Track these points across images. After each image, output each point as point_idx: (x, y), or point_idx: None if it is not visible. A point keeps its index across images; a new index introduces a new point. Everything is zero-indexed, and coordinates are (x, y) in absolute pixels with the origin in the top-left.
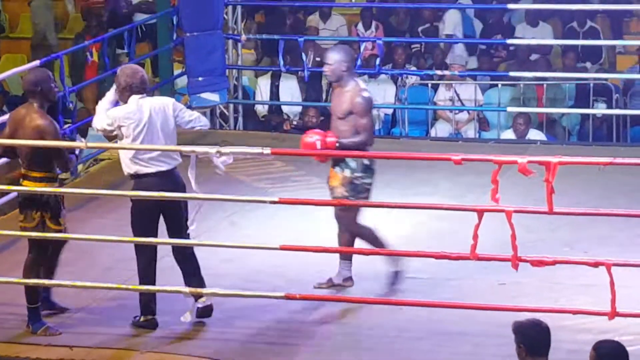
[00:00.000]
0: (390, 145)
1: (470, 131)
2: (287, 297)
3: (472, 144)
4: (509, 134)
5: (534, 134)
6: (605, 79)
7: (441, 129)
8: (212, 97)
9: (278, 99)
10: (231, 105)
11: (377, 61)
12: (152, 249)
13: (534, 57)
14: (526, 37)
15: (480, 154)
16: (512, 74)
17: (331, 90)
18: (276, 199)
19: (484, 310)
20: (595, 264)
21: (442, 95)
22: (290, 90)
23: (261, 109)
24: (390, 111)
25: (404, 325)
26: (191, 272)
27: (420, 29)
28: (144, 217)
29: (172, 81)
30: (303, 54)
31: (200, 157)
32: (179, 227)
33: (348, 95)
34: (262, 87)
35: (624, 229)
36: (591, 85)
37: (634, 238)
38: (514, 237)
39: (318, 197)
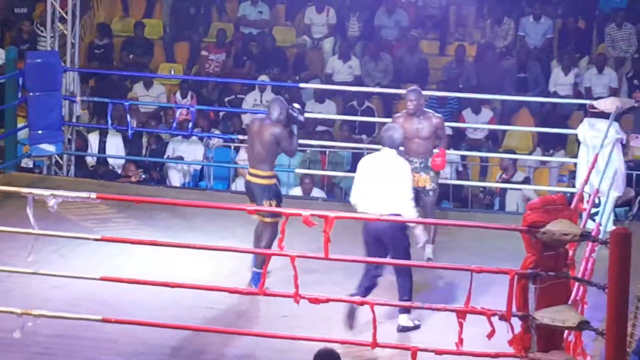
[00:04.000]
0: (197, 196)
1: None
2: (104, 320)
3: None
4: (297, 191)
5: (317, 192)
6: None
7: (240, 184)
8: (49, 147)
9: (104, 152)
10: (65, 156)
11: (190, 125)
12: None
13: (320, 128)
14: (314, 111)
15: (272, 207)
16: (300, 141)
17: (404, 119)
18: (99, 237)
19: (268, 338)
20: (362, 303)
21: (242, 155)
22: (115, 145)
23: (90, 160)
24: (199, 167)
25: (204, 348)
26: None
27: (226, 99)
28: None
29: (16, 133)
30: (128, 116)
31: (37, 198)
32: None
33: (427, 121)
34: (92, 142)
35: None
36: (365, 153)
37: (384, 282)
38: (296, 277)
39: (135, 237)
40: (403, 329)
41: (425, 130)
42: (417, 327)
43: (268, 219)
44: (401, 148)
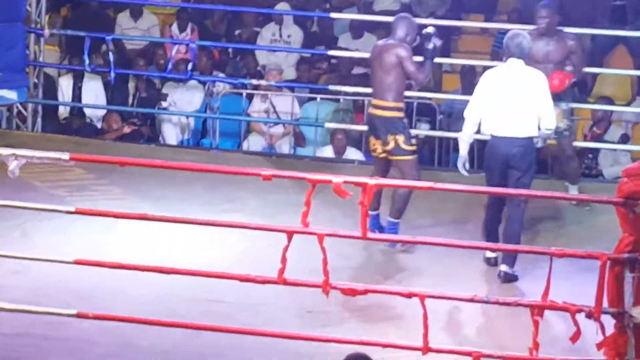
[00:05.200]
0: (198, 157)
1: (285, 146)
2: (79, 316)
3: (286, 160)
4: (327, 152)
5: (352, 153)
6: (429, 99)
7: (254, 142)
8: (10, 94)
9: (80, 101)
10: (30, 105)
11: (190, 66)
12: None
13: (356, 70)
14: (350, 48)
15: (294, 171)
16: (332, 87)
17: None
18: (73, 209)
19: (289, 339)
20: (409, 295)
21: (257, 106)
22: (94, 92)
23: (63, 111)
24: (200, 120)
25: (204, 351)
26: None
27: (237, 32)
28: None
29: None
30: (110, 54)
31: None
32: None
33: (560, 43)
34: (64, 87)
35: (442, 259)
36: (415, 104)
37: (451, 269)
38: (325, 262)
39: (118, 209)
40: (506, 277)
41: (556, 53)
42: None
43: (408, 157)
44: None
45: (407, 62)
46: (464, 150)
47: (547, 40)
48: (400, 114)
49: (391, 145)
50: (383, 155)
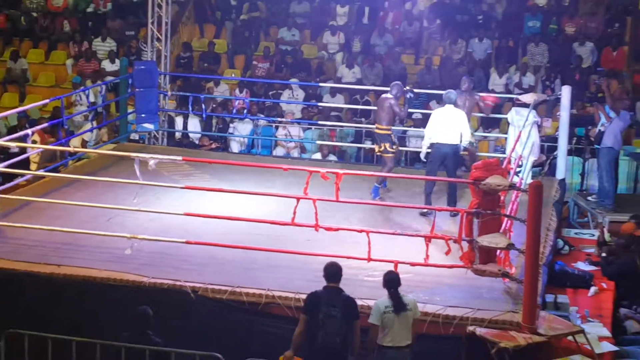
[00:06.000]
0: (250, 159)
1: (295, 153)
2: (187, 242)
3: (296, 161)
4: (317, 156)
5: (331, 157)
6: (372, 128)
7: (279, 151)
8: (149, 126)
9: (187, 129)
10: (160, 131)
11: (245, 111)
12: None
13: (333, 113)
14: (329, 102)
15: (300, 166)
16: (320, 122)
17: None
18: (183, 186)
19: (296, 255)
20: (360, 231)
21: (281, 132)
22: (194, 125)
23: (177, 135)
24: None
25: (252, 260)
26: None
27: (270, 93)
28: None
29: (127, 116)
30: (203, 105)
31: (141, 160)
32: None
33: (472, 98)
34: (178, 122)
35: (375, 212)
36: (363, 131)
37: (379, 218)
38: (316, 214)
39: (208, 186)
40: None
41: (469, 102)
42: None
43: (389, 155)
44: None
45: (395, 106)
46: (423, 152)
47: (465, 95)
48: (389, 132)
49: (382, 148)
50: (379, 153)
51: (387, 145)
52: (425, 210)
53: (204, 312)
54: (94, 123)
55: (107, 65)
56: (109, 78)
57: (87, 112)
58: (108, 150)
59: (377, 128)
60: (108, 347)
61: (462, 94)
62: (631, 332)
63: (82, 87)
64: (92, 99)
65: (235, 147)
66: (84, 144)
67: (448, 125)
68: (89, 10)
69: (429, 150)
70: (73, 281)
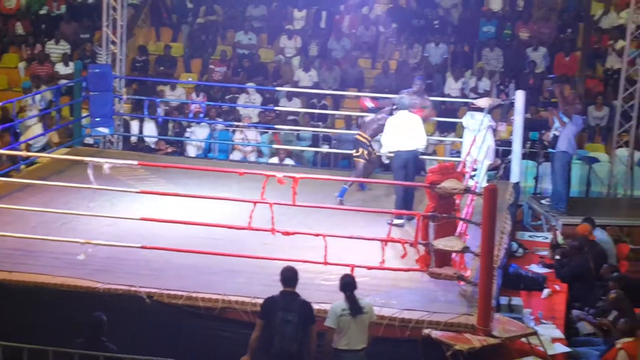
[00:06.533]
0: (206, 163)
1: (252, 157)
2: (142, 247)
3: (253, 165)
4: (274, 160)
5: (288, 161)
6: (329, 132)
7: (236, 155)
8: (104, 130)
9: (142, 133)
10: (115, 135)
11: (202, 115)
12: None
13: (290, 117)
14: (286, 106)
15: (257, 170)
16: (277, 126)
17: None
18: (139, 190)
19: (254, 259)
20: (317, 235)
21: (238, 136)
22: (150, 129)
23: (133, 139)
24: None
25: (210, 265)
26: None
27: (227, 97)
28: None
29: (81, 120)
30: (158, 109)
31: (95, 164)
32: None
33: (423, 98)
34: (134, 126)
35: (332, 216)
36: (320, 135)
37: (336, 222)
38: (273, 218)
39: (164, 191)
40: (394, 225)
41: (422, 104)
42: (401, 225)
43: (359, 159)
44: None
45: (374, 123)
46: (385, 158)
47: (417, 97)
48: (368, 142)
49: (359, 152)
50: (355, 157)
51: (364, 151)
52: (398, 220)
53: (160, 318)
54: (44, 127)
55: (60, 68)
56: (63, 81)
57: (39, 115)
58: (62, 154)
59: (359, 135)
60: (61, 354)
61: (413, 95)
62: (583, 333)
63: (34, 91)
64: (44, 104)
65: (192, 151)
66: (28, 147)
67: (404, 130)
68: (42, 12)
69: (392, 155)
70: (25, 288)
